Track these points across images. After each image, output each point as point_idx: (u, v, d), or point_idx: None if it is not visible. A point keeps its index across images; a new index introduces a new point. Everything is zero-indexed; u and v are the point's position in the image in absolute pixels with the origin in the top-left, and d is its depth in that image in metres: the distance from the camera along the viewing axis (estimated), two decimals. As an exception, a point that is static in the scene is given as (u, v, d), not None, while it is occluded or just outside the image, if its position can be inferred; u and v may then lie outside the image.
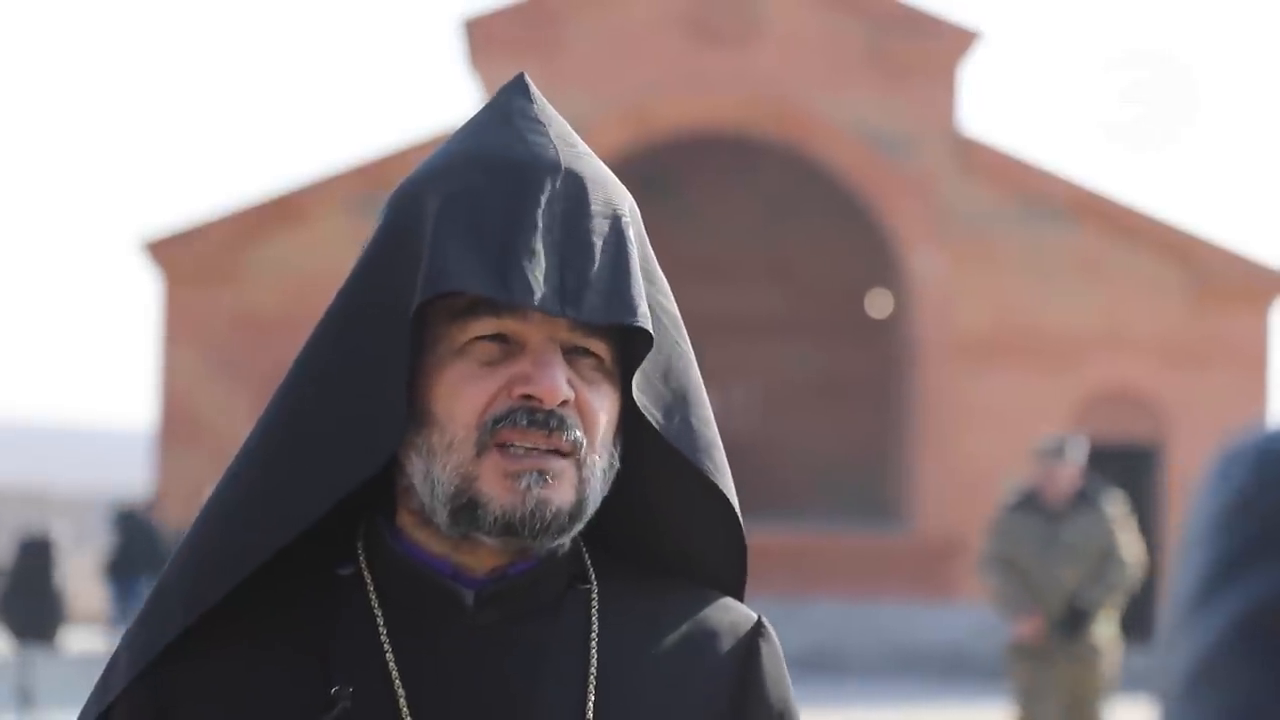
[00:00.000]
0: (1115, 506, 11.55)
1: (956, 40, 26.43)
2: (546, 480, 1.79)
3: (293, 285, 25.97)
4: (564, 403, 1.80)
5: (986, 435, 25.90)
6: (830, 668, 24.40)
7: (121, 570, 20.50)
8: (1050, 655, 11.37)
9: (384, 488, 1.88)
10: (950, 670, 24.45)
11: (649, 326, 1.83)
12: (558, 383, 1.79)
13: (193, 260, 26.57)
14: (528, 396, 1.80)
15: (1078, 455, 11.55)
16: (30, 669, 16.25)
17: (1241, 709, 0.93)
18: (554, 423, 1.79)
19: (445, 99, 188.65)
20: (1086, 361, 26.32)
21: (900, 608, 25.24)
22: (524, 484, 1.79)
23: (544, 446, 1.79)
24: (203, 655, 1.85)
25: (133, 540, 20.24)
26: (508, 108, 1.90)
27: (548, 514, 1.80)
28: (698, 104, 26.42)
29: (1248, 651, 0.94)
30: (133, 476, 71.73)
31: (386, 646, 1.84)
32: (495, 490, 1.79)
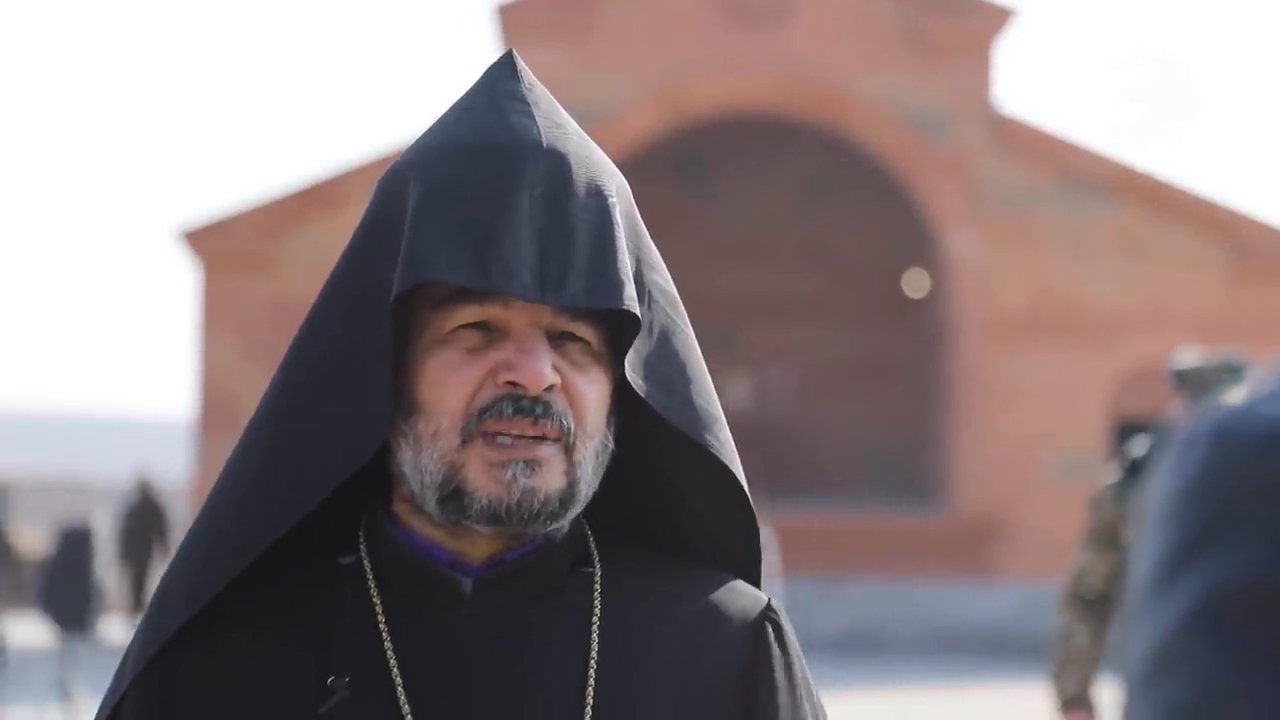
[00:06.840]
0: None
1: (992, 18, 26.34)
2: (533, 469, 1.79)
3: (329, 272, 26.06)
4: (550, 388, 1.80)
5: (1026, 414, 25.83)
6: (869, 648, 24.39)
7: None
8: None
9: (383, 475, 1.87)
10: (990, 650, 24.41)
11: (635, 309, 1.82)
12: (542, 369, 1.79)
13: (230, 249, 26.66)
14: (512, 384, 1.79)
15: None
16: (70, 660, 16.33)
17: (1201, 693, 0.91)
18: (539, 409, 1.79)
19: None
20: (1126, 339, 26.22)
21: (939, 588, 25.21)
22: (509, 474, 1.78)
23: (531, 434, 1.79)
24: (206, 645, 1.86)
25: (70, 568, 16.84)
26: (495, 88, 1.89)
27: (535, 503, 1.79)
28: (732, 85, 26.38)
29: (1207, 635, 0.93)
30: (172, 465, 72.01)
31: (385, 634, 1.85)
32: (481, 480, 1.79)
